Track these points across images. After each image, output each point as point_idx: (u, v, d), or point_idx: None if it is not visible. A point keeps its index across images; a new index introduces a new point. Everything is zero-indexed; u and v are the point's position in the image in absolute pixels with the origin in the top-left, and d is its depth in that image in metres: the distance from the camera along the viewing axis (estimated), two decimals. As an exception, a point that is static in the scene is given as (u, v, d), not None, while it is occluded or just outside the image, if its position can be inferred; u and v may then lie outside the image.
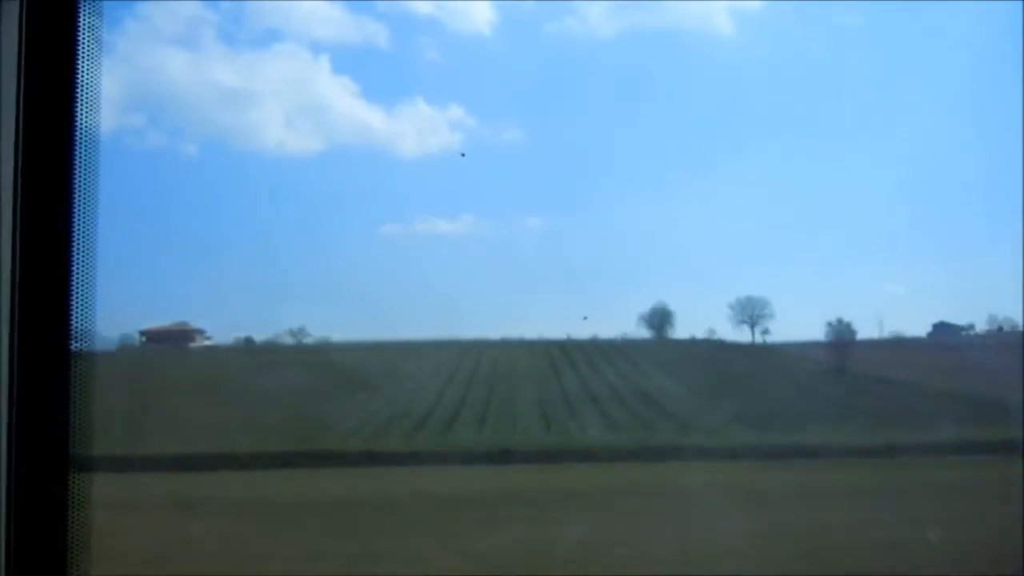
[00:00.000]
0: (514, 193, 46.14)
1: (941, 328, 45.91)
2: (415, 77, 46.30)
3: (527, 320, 45.33)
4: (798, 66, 47.31)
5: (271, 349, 41.09)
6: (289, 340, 42.10)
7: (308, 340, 41.64)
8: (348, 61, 49.28)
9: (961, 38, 39.57)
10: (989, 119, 40.89)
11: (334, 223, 44.10)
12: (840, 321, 40.08)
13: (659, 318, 42.88)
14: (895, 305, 47.75)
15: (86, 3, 2.01)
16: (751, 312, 42.15)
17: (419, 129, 46.25)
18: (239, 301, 41.99)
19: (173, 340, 38.93)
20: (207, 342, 40.39)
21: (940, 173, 41.33)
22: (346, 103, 46.92)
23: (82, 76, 2.01)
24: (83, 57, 2.01)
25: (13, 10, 1.95)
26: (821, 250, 45.00)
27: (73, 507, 2.24)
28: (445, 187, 44.22)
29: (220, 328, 41.66)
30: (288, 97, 46.35)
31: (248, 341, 42.01)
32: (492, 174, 43.81)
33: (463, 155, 45.51)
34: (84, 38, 2.01)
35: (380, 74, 48.66)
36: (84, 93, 2.02)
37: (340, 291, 40.28)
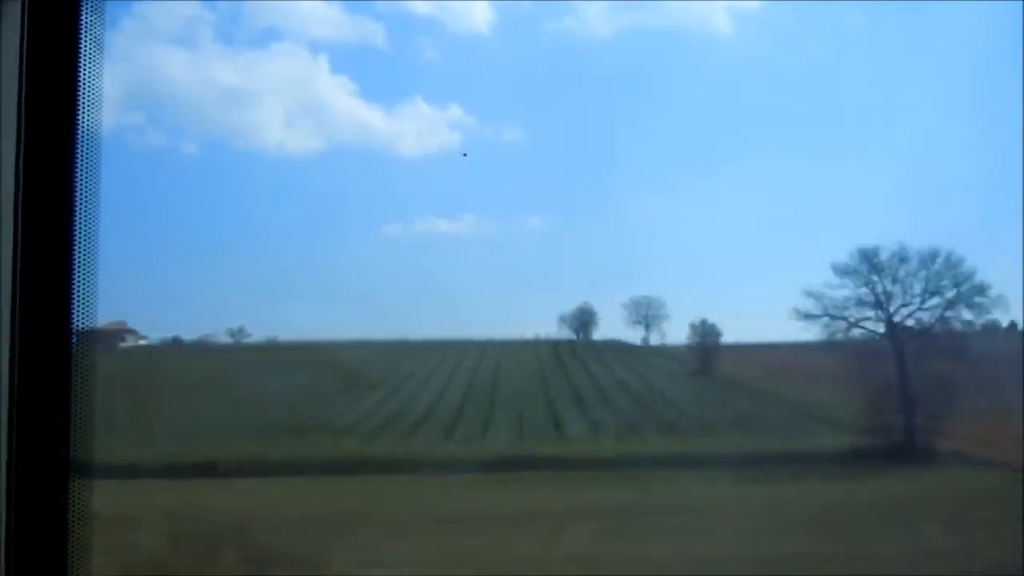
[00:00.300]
0: (515, 193, 45.84)
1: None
2: (414, 77, 45.96)
3: (528, 320, 44.92)
4: (797, 66, 47.16)
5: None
6: (228, 339, 40.91)
7: (249, 339, 40.59)
8: (346, 61, 48.99)
9: (961, 38, 39.50)
10: (989, 119, 40.66)
11: (333, 223, 43.74)
12: (704, 323, 39.52)
13: (580, 320, 42.73)
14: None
15: (88, 2, 2.00)
16: (645, 312, 41.36)
17: (419, 129, 45.80)
18: (238, 302, 41.61)
19: (106, 340, 38.38)
20: (141, 342, 40.00)
21: (939, 173, 41.15)
22: (345, 103, 46.54)
23: (84, 75, 2.01)
24: (85, 56, 2.00)
25: (15, 9, 1.94)
26: (821, 249, 44.71)
27: (74, 508, 2.24)
28: (445, 187, 43.81)
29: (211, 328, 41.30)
30: (286, 96, 45.99)
31: (176, 341, 41.10)
32: (492, 174, 43.52)
33: (464, 155, 45.20)
34: (86, 37, 2.00)
35: (379, 74, 48.31)
36: (86, 92, 2.02)
37: (340, 291, 39.89)
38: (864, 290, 35.83)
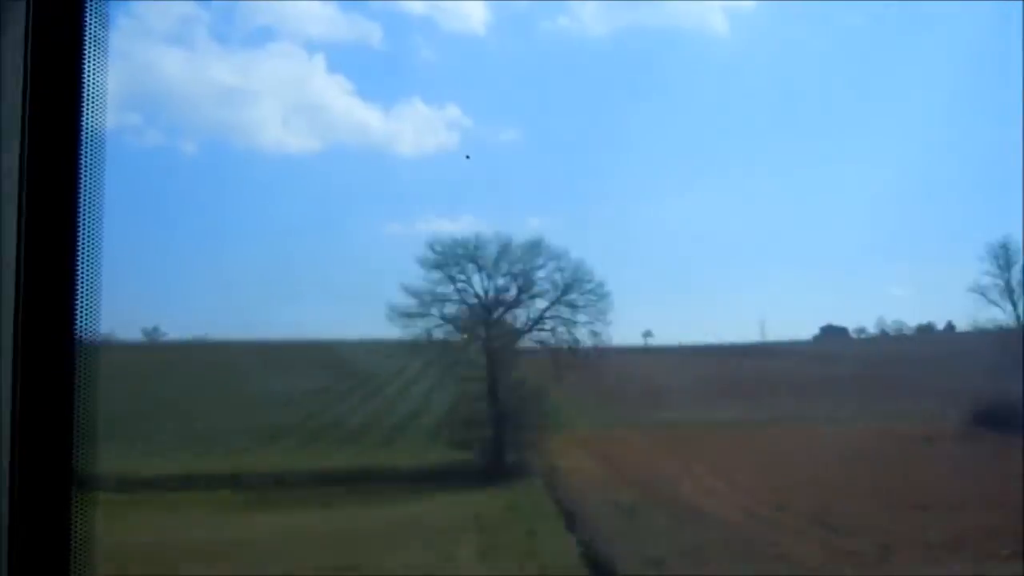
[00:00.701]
0: (512, 193, 45.91)
1: (828, 331, 44.83)
2: (411, 76, 46.15)
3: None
4: (794, 65, 47.39)
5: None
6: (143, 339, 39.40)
7: (165, 339, 38.87)
8: (343, 60, 49.17)
9: (961, 38, 39.57)
10: (989, 119, 40.68)
11: (327, 222, 43.62)
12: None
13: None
14: (897, 306, 47.80)
15: (92, 3, 1.99)
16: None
17: (416, 128, 45.96)
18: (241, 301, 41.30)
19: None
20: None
21: (937, 174, 41.18)
22: (342, 102, 46.65)
23: (88, 76, 2.00)
24: (89, 57, 1.99)
25: (19, 10, 1.93)
26: (816, 251, 44.76)
27: (77, 511, 2.22)
28: (443, 187, 43.75)
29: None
30: (284, 95, 45.84)
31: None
32: (489, 174, 43.55)
33: (468, 157, 44.78)
34: (90, 38, 1.99)
35: (375, 73, 48.69)
36: (90, 93, 2.01)
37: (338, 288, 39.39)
38: (460, 286, 31.05)
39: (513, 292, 31.76)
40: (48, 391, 2.12)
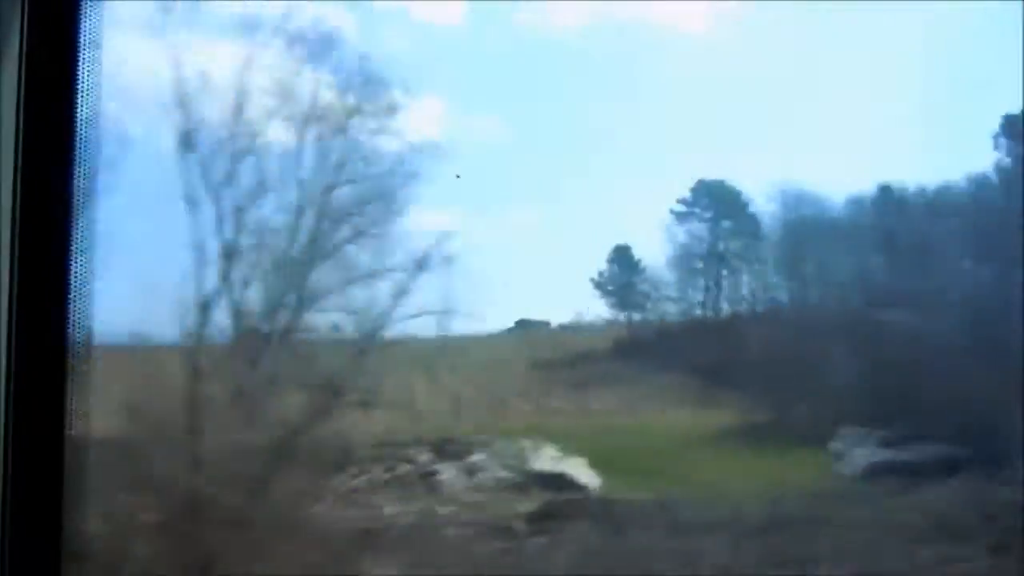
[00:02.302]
0: (498, 186, 45.33)
1: (522, 324, 43.24)
2: (388, 68, 45.44)
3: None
4: (781, 62, 47.12)
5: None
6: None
7: None
8: (320, 52, 48.34)
9: (959, 37, 39.31)
10: (985, 122, 40.49)
11: None
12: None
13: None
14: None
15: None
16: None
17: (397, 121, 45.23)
18: None
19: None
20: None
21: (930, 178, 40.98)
22: (319, 94, 45.84)
23: (83, 71, 1.99)
24: (84, 50, 1.98)
25: (15, 6, 1.91)
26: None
27: (68, 512, 2.20)
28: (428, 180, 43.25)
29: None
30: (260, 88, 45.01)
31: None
32: (476, 167, 42.97)
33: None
34: (86, 31, 1.98)
35: (351, 64, 47.71)
36: (85, 87, 1.99)
37: None
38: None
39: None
40: (42, 391, 2.09)
